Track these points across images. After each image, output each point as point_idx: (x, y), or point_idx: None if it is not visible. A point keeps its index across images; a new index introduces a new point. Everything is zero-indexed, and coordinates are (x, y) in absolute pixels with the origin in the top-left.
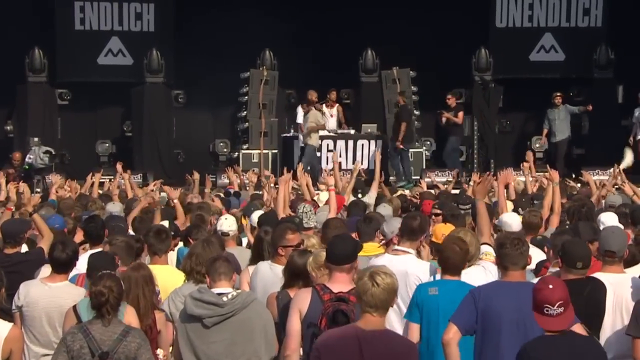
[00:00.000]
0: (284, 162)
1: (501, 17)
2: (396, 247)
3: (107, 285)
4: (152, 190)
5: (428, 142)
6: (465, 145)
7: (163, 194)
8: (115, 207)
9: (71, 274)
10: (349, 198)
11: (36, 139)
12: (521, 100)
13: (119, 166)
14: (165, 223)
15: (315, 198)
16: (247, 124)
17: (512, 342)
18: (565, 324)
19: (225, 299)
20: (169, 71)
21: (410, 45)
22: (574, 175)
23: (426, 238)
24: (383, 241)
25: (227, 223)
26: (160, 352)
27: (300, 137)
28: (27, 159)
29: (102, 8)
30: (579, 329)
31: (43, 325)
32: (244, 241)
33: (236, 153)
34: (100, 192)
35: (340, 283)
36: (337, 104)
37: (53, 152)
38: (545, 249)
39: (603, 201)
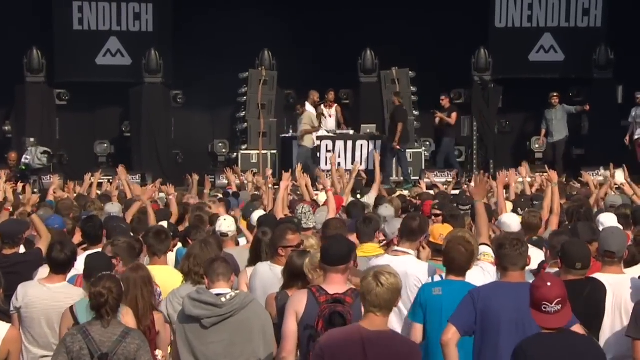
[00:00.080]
0: (283, 162)
1: (501, 17)
2: (396, 248)
3: (106, 287)
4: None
5: (427, 143)
6: (464, 145)
7: (162, 194)
8: (114, 208)
9: (70, 275)
10: (348, 199)
11: (32, 139)
12: (521, 101)
13: (121, 168)
14: (164, 224)
15: (314, 198)
16: (246, 124)
17: (511, 342)
18: (563, 321)
19: (223, 299)
20: (168, 71)
21: (410, 46)
22: (566, 176)
23: (426, 239)
24: (384, 242)
25: (226, 224)
26: (159, 353)
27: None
28: (23, 159)
29: (100, 8)
30: (578, 329)
31: (42, 326)
32: (242, 242)
33: (235, 153)
34: (99, 192)
35: (336, 284)
36: (336, 104)
37: (51, 153)
38: (544, 250)
39: (602, 202)
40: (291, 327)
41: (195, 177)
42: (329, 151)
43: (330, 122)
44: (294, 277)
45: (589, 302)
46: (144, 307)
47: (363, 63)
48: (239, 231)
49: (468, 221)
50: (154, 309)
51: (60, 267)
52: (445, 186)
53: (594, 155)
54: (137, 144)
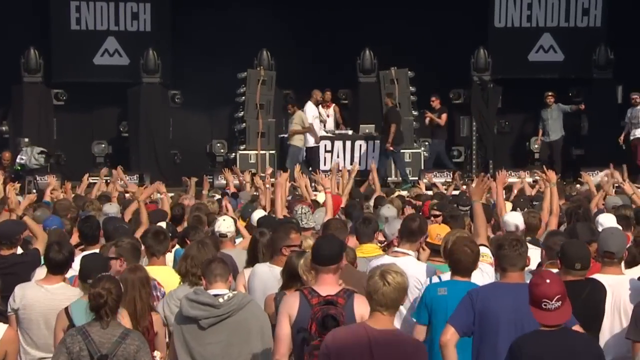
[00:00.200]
0: (282, 162)
1: (500, 17)
2: (396, 249)
3: (105, 287)
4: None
5: (426, 143)
6: (463, 146)
7: (158, 194)
8: (112, 208)
9: (68, 275)
10: (347, 199)
11: (26, 139)
12: (520, 101)
13: (118, 171)
14: (163, 224)
15: (314, 199)
16: (244, 124)
17: (509, 343)
18: (563, 318)
19: (221, 300)
20: (166, 71)
21: (409, 46)
22: (561, 177)
23: (425, 239)
24: (384, 242)
25: (225, 224)
26: (157, 354)
27: (308, 135)
28: (18, 160)
29: (98, 8)
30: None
31: (40, 328)
32: (237, 242)
33: (233, 154)
34: (106, 188)
35: (328, 285)
36: (334, 104)
37: (48, 153)
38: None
39: (602, 203)
40: (285, 329)
41: (194, 180)
42: (328, 151)
43: (328, 123)
44: (293, 277)
45: (589, 303)
46: (142, 308)
47: (362, 63)
48: (237, 232)
49: (468, 222)
50: (152, 309)
51: (58, 267)
52: (445, 186)
53: (594, 156)
54: (135, 144)
